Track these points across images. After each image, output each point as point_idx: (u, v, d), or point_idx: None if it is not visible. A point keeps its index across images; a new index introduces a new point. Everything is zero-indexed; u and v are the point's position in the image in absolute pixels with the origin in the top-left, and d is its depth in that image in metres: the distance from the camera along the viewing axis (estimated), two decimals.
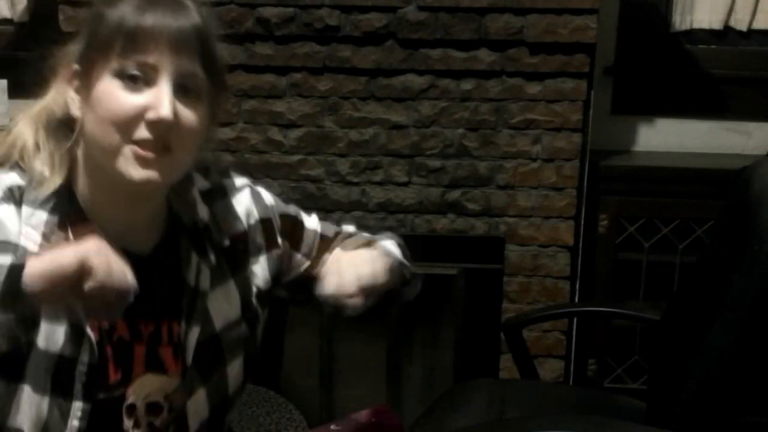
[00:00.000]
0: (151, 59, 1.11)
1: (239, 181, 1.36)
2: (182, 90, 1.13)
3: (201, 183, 1.30)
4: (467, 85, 2.49)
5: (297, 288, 1.40)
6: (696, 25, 2.80)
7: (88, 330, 1.15)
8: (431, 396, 2.41)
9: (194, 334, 1.24)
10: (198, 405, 1.25)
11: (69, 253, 0.99)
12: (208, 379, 1.26)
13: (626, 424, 1.57)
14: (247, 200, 1.34)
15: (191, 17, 1.14)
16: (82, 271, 0.98)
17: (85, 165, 1.17)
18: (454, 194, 2.56)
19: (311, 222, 1.43)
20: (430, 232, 2.59)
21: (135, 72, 1.11)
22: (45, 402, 1.14)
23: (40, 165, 1.17)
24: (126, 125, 1.11)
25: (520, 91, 2.49)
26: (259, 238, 1.34)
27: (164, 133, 1.11)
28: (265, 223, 1.35)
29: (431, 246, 2.58)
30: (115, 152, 1.11)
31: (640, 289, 2.72)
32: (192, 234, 1.26)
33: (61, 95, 1.18)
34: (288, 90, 2.50)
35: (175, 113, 1.11)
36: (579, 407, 2.08)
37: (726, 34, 2.82)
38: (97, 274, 0.99)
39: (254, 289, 1.33)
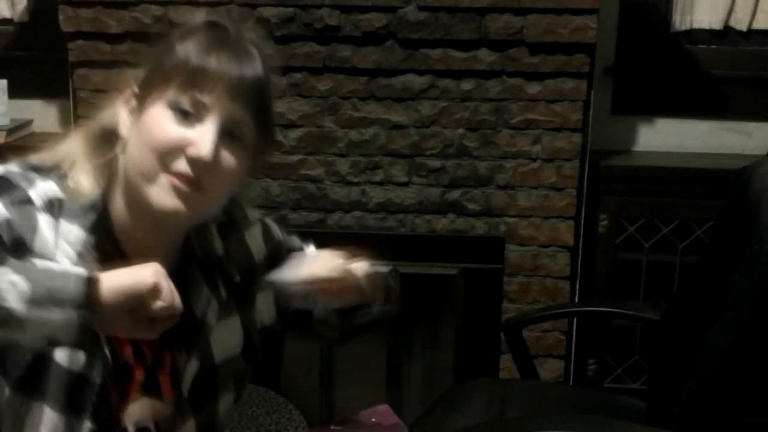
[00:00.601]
0: (206, 99, 1.12)
1: (252, 214, 1.38)
2: (229, 135, 1.14)
3: (218, 216, 1.31)
4: (467, 85, 2.49)
5: (291, 320, 1.40)
6: (696, 25, 2.80)
7: (105, 350, 1.16)
8: (431, 396, 2.41)
9: (193, 365, 1.25)
10: None
11: (147, 272, 1.04)
12: (199, 410, 1.27)
13: (626, 424, 1.57)
14: (258, 236, 1.36)
15: (254, 67, 1.16)
16: (154, 290, 1.03)
17: (122, 185, 1.18)
18: (454, 194, 2.56)
19: (311, 254, 1.44)
20: (430, 232, 2.59)
21: (188, 107, 1.13)
22: (61, 420, 1.14)
23: (84, 177, 1.17)
24: (166, 154, 1.12)
25: (520, 91, 2.49)
26: (267, 274, 1.35)
27: (201, 171, 1.12)
28: (273, 258, 1.36)
29: (431, 246, 2.58)
30: (150, 178, 1.12)
31: (640, 289, 2.72)
32: (205, 267, 1.27)
33: (115, 113, 1.20)
34: (288, 90, 2.50)
35: (216, 155, 1.12)
36: (579, 407, 2.08)
37: (726, 34, 2.82)
38: (165, 295, 1.04)
39: (258, 325, 1.35)
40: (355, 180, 2.56)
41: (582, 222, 2.60)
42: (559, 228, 2.57)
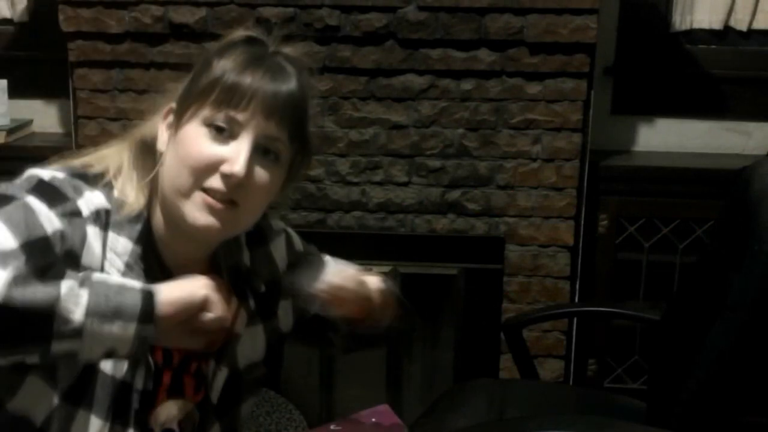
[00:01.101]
0: (240, 116, 1.14)
1: (276, 225, 1.39)
2: (263, 151, 1.16)
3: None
4: (467, 85, 2.49)
5: (303, 328, 1.43)
6: (696, 25, 2.80)
7: (149, 357, 1.17)
8: (431, 396, 2.41)
9: (223, 374, 1.27)
10: None
11: (199, 284, 1.08)
12: (224, 416, 1.29)
13: (626, 424, 1.57)
14: (282, 246, 1.38)
15: (289, 84, 1.17)
16: (206, 302, 1.08)
17: (160, 198, 1.19)
18: (454, 194, 2.56)
19: (330, 262, 1.45)
20: (430, 232, 2.59)
21: (222, 124, 1.14)
22: (107, 427, 1.15)
23: (129, 188, 1.19)
24: (200, 172, 1.13)
25: (520, 91, 2.49)
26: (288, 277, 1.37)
27: (234, 188, 1.13)
28: (293, 268, 1.37)
29: (431, 246, 2.58)
30: (185, 194, 1.14)
31: (640, 289, 2.72)
32: (233, 278, 1.28)
33: (155, 126, 1.21)
34: None
35: (250, 172, 1.14)
36: (579, 407, 2.08)
37: (726, 34, 2.82)
38: (216, 307, 1.08)
39: (278, 334, 1.38)
40: (355, 180, 2.56)
41: (582, 222, 2.60)
42: (559, 228, 2.57)
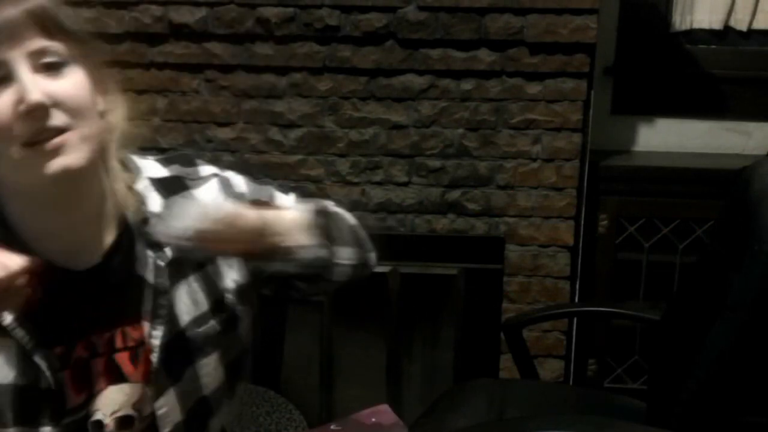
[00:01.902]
0: None
1: (205, 170, 1.29)
2: (45, 67, 1.08)
3: (156, 172, 1.25)
4: (467, 85, 2.49)
5: (281, 281, 1.30)
6: (696, 25, 2.80)
7: (36, 358, 1.11)
8: (431, 396, 2.41)
9: (159, 333, 1.19)
10: (169, 406, 1.20)
11: None
12: (178, 379, 1.21)
13: (626, 424, 1.57)
14: (214, 191, 1.27)
15: (20, 2, 1.08)
16: None
17: (6, 189, 1.13)
18: (454, 194, 2.56)
19: (287, 204, 1.34)
20: (430, 232, 2.59)
21: None
22: None
23: None
24: (8, 130, 1.06)
25: (520, 91, 2.49)
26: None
27: (46, 116, 1.06)
28: None
29: (431, 246, 2.58)
30: (18, 160, 1.07)
31: (640, 289, 2.72)
32: (143, 228, 1.19)
33: None
34: (288, 90, 2.50)
35: (45, 92, 1.06)
36: (579, 407, 2.08)
37: (726, 34, 2.82)
38: None
39: (230, 284, 1.26)
40: (355, 180, 2.56)
41: (582, 222, 2.60)
42: (559, 228, 2.56)
